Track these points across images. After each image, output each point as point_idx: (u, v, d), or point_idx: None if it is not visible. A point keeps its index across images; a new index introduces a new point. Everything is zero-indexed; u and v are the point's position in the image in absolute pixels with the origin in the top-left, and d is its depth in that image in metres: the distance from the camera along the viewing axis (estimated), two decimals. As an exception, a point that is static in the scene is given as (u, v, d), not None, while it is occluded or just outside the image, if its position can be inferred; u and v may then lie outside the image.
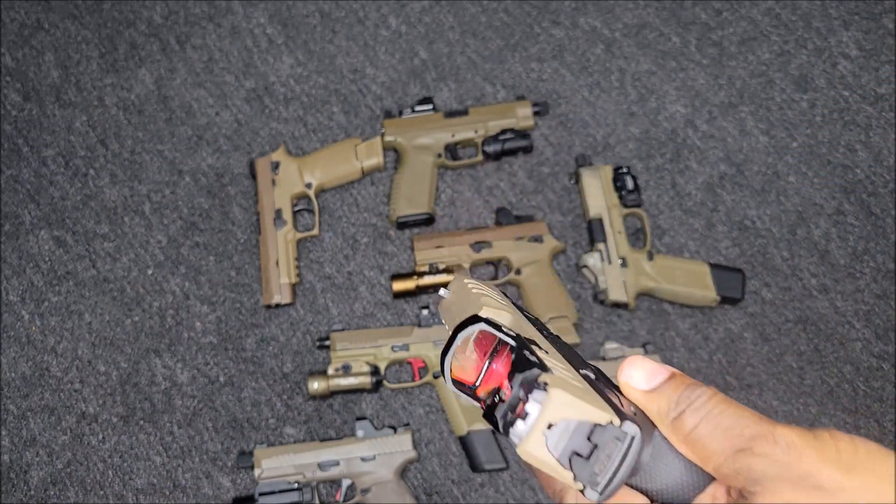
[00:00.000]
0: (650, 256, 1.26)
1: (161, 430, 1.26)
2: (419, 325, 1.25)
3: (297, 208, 1.33)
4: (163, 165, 1.40)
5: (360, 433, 1.19)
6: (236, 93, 1.44)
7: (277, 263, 1.28)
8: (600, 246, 1.27)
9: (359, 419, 1.21)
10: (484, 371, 0.36)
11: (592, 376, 0.37)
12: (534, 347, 0.35)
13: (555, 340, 0.40)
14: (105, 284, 1.33)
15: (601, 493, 0.33)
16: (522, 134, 1.35)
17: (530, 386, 0.33)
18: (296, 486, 1.17)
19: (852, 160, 1.37)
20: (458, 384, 0.37)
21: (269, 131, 1.42)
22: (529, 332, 0.38)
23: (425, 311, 1.25)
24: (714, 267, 1.26)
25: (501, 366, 0.36)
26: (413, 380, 1.25)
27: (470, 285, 0.41)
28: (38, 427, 1.27)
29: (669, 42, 1.45)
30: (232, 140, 1.41)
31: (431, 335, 1.24)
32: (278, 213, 1.31)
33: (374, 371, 1.22)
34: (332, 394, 1.23)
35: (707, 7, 1.48)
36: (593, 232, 1.28)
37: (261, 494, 1.17)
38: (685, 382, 0.35)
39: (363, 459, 1.18)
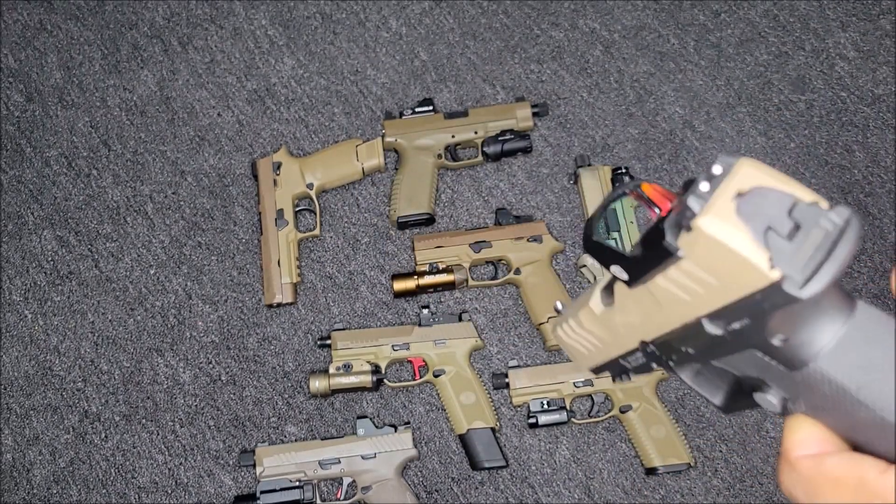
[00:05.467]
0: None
1: (163, 428, 1.27)
2: (419, 325, 1.26)
3: (298, 208, 1.34)
4: (165, 166, 1.41)
5: (360, 431, 1.20)
6: (238, 94, 1.45)
7: (279, 263, 1.29)
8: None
9: (359, 417, 1.21)
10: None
11: None
12: None
13: None
14: (108, 284, 1.34)
15: (805, 282, 0.26)
16: (522, 135, 1.36)
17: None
18: (297, 484, 1.18)
19: (850, 161, 1.38)
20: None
21: (270, 132, 1.43)
22: None
23: (425, 311, 1.26)
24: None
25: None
26: (413, 378, 1.25)
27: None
28: (40, 426, 1.28)
29: (668, 43, 1.46)
30: (234, 141, 1.42)
31: (432, 334, 1.25)
32: (280, 213, 1.31)
33: (375, 370, 1.23)
34: (333, 392, 1.24)
35: (705, 8, 1.48)
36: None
37: (262, 492, 1.17)
38: None
39: (364, 458, 1.19)
